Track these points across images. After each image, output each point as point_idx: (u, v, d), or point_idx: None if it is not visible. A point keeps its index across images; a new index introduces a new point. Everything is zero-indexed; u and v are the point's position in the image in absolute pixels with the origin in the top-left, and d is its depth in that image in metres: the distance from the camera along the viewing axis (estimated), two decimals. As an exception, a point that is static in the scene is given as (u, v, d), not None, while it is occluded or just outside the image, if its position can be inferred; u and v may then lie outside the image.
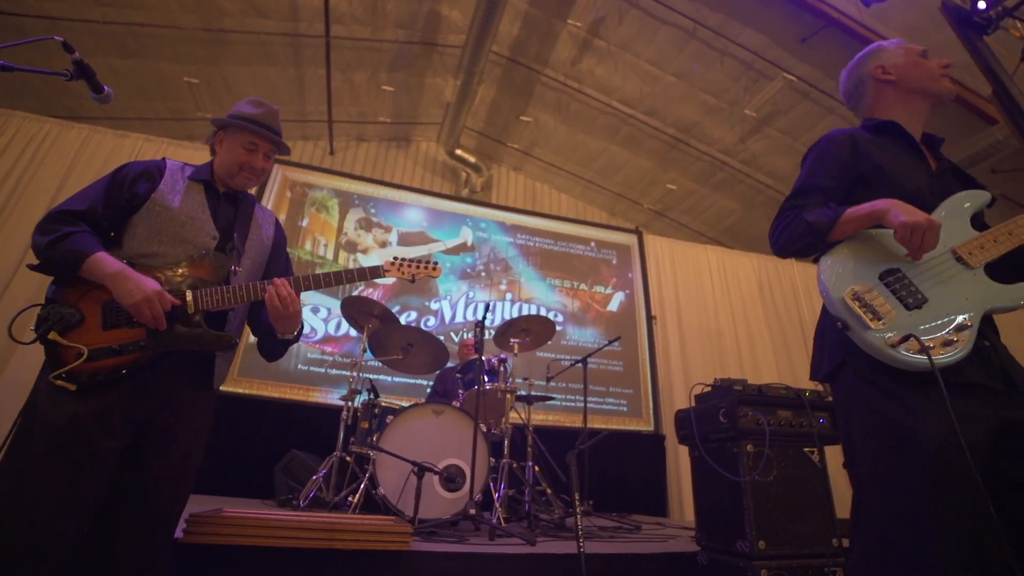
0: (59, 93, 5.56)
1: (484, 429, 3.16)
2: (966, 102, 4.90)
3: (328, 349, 5.11)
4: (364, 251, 5.67)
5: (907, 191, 1.25)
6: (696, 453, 2.49)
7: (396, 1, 5.52)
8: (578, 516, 1.94)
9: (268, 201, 5.47)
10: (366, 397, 3.44)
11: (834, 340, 1.21)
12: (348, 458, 3.19)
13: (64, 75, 1.32)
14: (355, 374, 3.43)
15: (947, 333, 1.06)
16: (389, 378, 4.98)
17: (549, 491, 3.48)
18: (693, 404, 2.65)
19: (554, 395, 4.51)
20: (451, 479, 2.88)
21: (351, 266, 5.44)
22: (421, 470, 2.53)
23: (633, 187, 7.79)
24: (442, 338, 4.00)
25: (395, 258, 1.75)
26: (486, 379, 3.48)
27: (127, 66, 5.54)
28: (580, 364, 4.00)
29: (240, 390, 4.61)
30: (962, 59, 4.57)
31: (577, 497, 2.03)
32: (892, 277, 1.15)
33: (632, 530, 3.25)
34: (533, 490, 3.26)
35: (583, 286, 6.32)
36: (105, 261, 1.33)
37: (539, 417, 5.08)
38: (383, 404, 3.31)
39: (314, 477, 3.18)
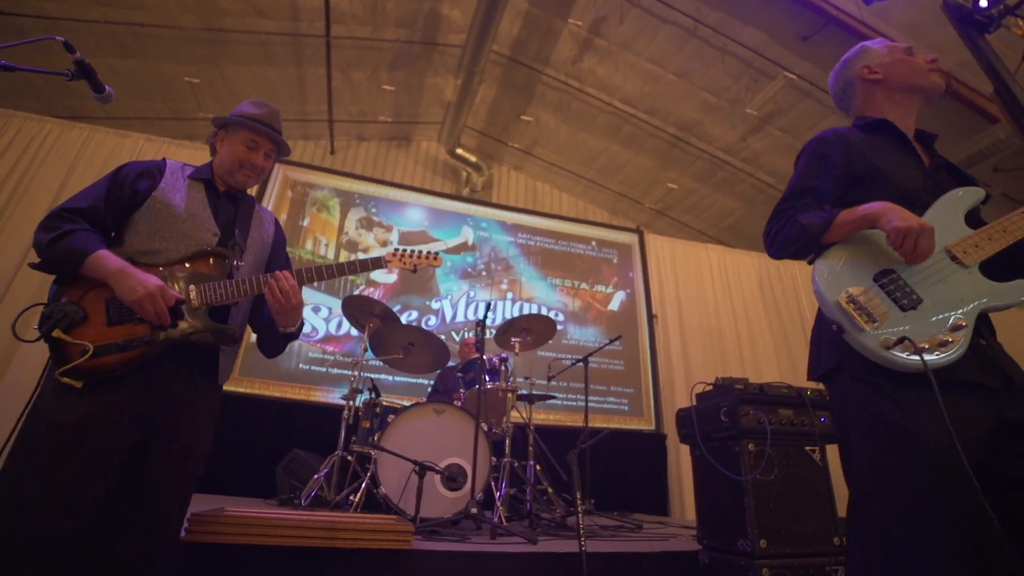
0: (60, 93, 5.56)
1: (485, 428, 3.17)
2: (968, 101, 4.89)
3: (329, 348, 5.11)
4: (365, 250, 5.67)
5: (901, 190, 1.24)
6: (697, 452, 2.49)
7: (396, 0, 5.52)
8: (579, 515, 1.94)
9: (269, 200, 5.47)
10: (367, 396, 3.45)
11: (830, 341, 1.21)
12: (349, 457, 3.19)
13: (65, 75, 1.32)
14: (356, 373, 3.43)
15: (942, 333, 1.06)
16: (390, 377, 4.98)
17: (550, 490, 3.48)
18: (694, 403, 2.65)
19: (555, 394, 4.51)
20: (452, 478, 2.89)
21: (352, 265, 5.45)
22: (422, 469, 2.53)
23: (634, 186, 7.78)
24: (443, 337, 4.01)
25: (396, 249, 1.76)
26: (487, 378, 3.48)
27: (127, 66, 5.54)
28: (581, 363, 4.00)
29: (242, 389, 4.62)
30: (963, 57, 4.59)
31: (578, 496, 2.03)
32: (887, 278, 1.15)
33: (633, 529, 3.25)
34: (534, 489, 3.26)
35: (584, 285, 6.32)
36: (107, 258, 1.33)
37: (540, 416, 5.09)
38: (384, 403, 3.32)
39: (316, 476, 3.18)
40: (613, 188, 7.89)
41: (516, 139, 7.55)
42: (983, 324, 1.13)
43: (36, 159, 4.75)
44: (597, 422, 5.33)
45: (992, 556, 0.94)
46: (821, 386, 1.32)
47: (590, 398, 4.02)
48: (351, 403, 3.37)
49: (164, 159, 1.60)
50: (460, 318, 5.66)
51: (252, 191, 1.74)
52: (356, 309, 3.61)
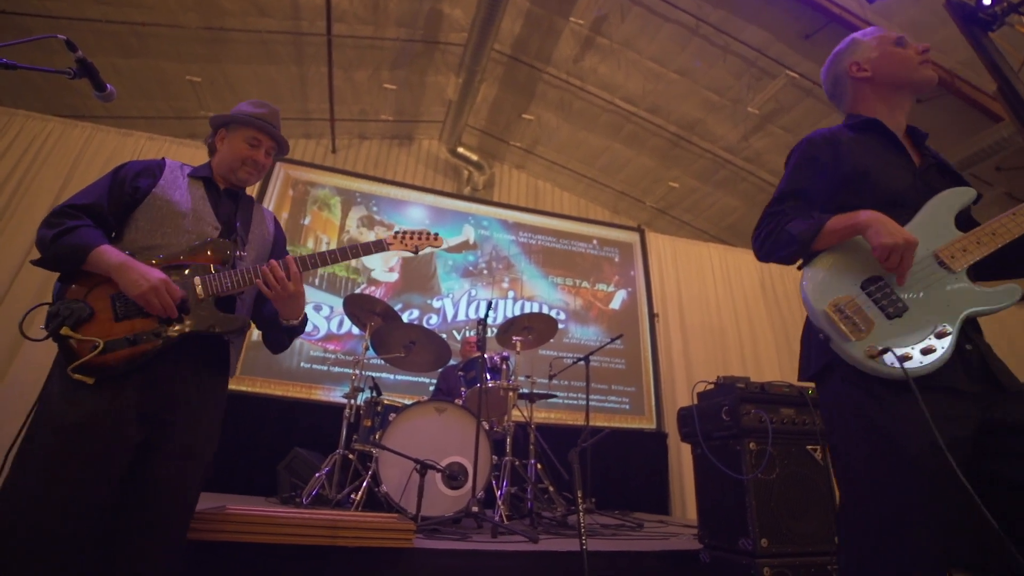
0: (60, 92, 5.58)
1: (486, 427, 3.17)
2: (971, 99, 4.88)
3: (331, 347, 5.12)
4: (366, 249, 5.67)
5: (891, 192, 1.24)
6: (699, 451, 2.49)
7: (398, -1, 5.53)
8: (581, 514, 1.94)
9: (270, 199, 5.47)
10: (369, 395, 3.45)
11: (820, 343, 1.21)
12: (351, 456, 3.20)
13: (67, 73, 1.32)
14: (357, 372, 3.43)
15: (927, 340, 1.07)
16: (391, 376, 4.99)
17: (551, 489, 3.48)
18: (695, 402, 2.64)
19: (556, 393, 4.51)
20: (454, 477, 2.89)
21: (353, 264, 5.46)
22: (424, 468, 2.53)
23: (635, 185, 7.78)
24: (444, 336, 4.00)
25: (397, 231, 1.76)
26: (488, 377, 3.48)
27: (129, 65, 5.55)
28: (582, 362, 3.99)
29: (243, 388, 4.63)
30: (966, 56, 4.58)
31: (579, 495, 2.03)
32: (874, 286, 1.16)
33: (634, 528, 3.25)
34: (535, 488, 3.26)
35: (585, 284, 6.31)
36: (109, 253, 1.33)
37: (541, 415, 5.09)
38: (385, 402, 3.32)
39: (317, 475, 3.19)
40: (614, 187, 7.88)
41: (517, 138, 7.55)
42: (971, 327, 1.13)
43: (38, 158, 4.75)
44: (598, 421, 5.33)
45: (992, 555, 0.94)
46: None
47: (591, 397, 4.02)
48: (352, 402, 3.37)
49: (163, 158, 1.61)
50: (461, 317, 5.66)
51: (253, 190, 1.74)
52: (357, 308, 3.61)
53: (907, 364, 1.04)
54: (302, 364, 4.95)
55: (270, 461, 3.91)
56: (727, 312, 6.36)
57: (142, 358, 1.32)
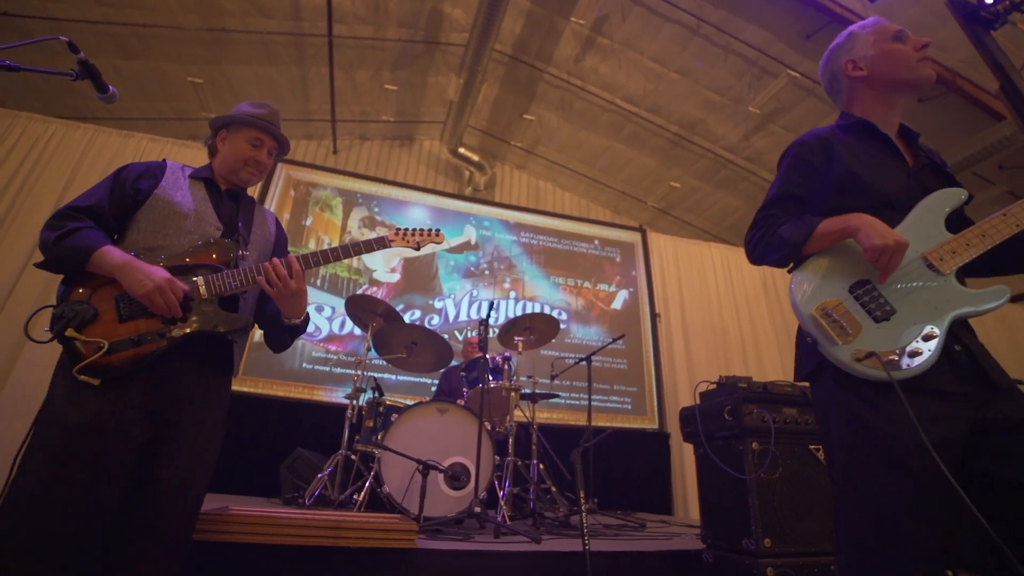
0: (62, 93, 5.59)
1: (489, 427, 3.17)
2: (973, 98, 4.87)
3: (332, 348, 5.12)
4: (368, 250, 5.67)
5: (883, 194, 1.23)
6: (701, 451, 2.49)
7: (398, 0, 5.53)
8: (583, 514, 1.94)
9: (272, 200, 5.48)
10: (371, 395, 3.45)
11: (811, 344, 1.21)
12: (353, 456, 3.20)
13: (69, 75, 1.32)
14: (360, 372, 3.44)
15: (914, 343, 1.07)
16: (393, 376, 4.99)
17: (554, 489, 3.48)
18: (698, 402, 2.64)
19: (558, 393, 4.50)
20: (456, 477, 2.89)
21: (355, 265, 5.46)
22: (426, 468, 2.53)
23: (637, 185, 7.77)
24: (446, 336, 4.00)
25: (398, 229, 1.76)
26: (490, 377, 3.48)
27: (130, 67, 5.56)
28: (584, 362, 3.99)
29: (245, 389, 4.64)
30: (968, 54, 4.57)
31: (582, 495, 2.04)
32: (862, 290, 1.16)
33: (637, 528, 3.25)
34: (538, 488, 3.26)
35: (587, 284, 6.31)
36: (112, 254, 1.34)
37: (543, 415, 5.09)
38: (388, 402, 3.32)
39: (319, 475, 3.19)
40: (616, 187, 7.88)
41: (518, 138, 7.55)
42: (961, 328, 1.13)
43: (41, 160, 4.76)
44: (600, 421, 5.32)
45: (989, 554, 0.95)
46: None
47: (593, 397, 4.02)
48: (355, 402, 3.37)
49: (164, 160, 1.62)
50: (463, 317, 5.66)
51: (255, 191, 1.74)
52: (359, 308, 3.61)
53: (894, 367, 1.05)
54: (304, 365, 4.96)
55: (272, 462, 3.92)
56: (729, 312, 6.36)
57: (146, 359, 1.32)
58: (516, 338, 3.72)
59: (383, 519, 2.01)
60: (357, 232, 5.73)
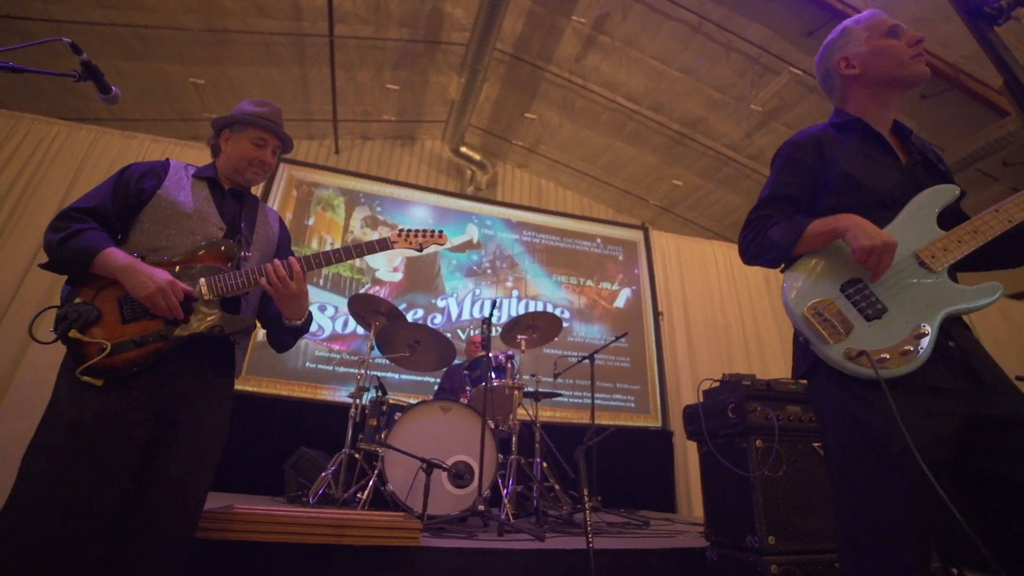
0: (65, 95, 5.60)
1: (492, 426, 3.17)
2: (976, 94, 4.85)
3: (336, 347, 5.13)
4: (370, 249, 5.68)
5: (877, 193, 1.23)
6: (704, 449, 2.48)
7: (399, -1, 5.53)
8: (587, 512, 1.94)
9: (274, 200, 5.49)
10: (374, 394, 3.46)
11: (805, 343, 1.22)
12: (357, 455, 3.21)
13: (72, 76, 1.32)
14: (363, 371, 3.44)
15: (905, 341, 1.07)
16: (396, 375, 5.00)
17: (557, 487, 3.48)
18: (701, 399, 2.64)
19: (561, 391, 4.51)
20: (459, 475, 2.89)
21: (358, 264, 5.47)
22: (429, 467, 2.53)
23: (639, 183, 7.76)
24: (449, 335, 4.01)
25: (401, 230, 1.75)
26: (493, 376, 3.48)
27: (132, 68, 5.58)
28: (587, 360, 4.00)
29: (249, 388, 4.65)
30: (972, 50, 4.55)
31: (585, 493, 2.04)
32: (853, 288, 1.16)
33: (640, 526, 3.25)
34: (541, 486, 3.26)
35: (589, 282, 6.31)
36: (115, 255, 1.34)
37: (546, 413, 5.09)
38: (391, 401, 3.33)
39: (323, 474, 3.20)
40: (618, 185, 7.87)
41: (520, 137, 7.54)
42: (955, 325, 1.13)
43: (44, 161, 4.78)
44: (603, 419, 5.33)
45: (991, 553, 0.95)
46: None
47: (596, 395, 4.02)
48: (358, 401, 3.38)
49: (167, 159, 1.61)
50: (466, 316, 5.66)
51: (258, 191, 1.74)
52: (362, 307, 3.62)
53: (885, 365, 1.05)
54: (307, 364, 4.97)
55: (276, 460, 3.93)
56: (731, 309, 6.35)
57: (149, 359, 1.32)
58: (519, 336, 3.72)
59: (387, 517, 2.01)
60: (359, 232, 5.73)
